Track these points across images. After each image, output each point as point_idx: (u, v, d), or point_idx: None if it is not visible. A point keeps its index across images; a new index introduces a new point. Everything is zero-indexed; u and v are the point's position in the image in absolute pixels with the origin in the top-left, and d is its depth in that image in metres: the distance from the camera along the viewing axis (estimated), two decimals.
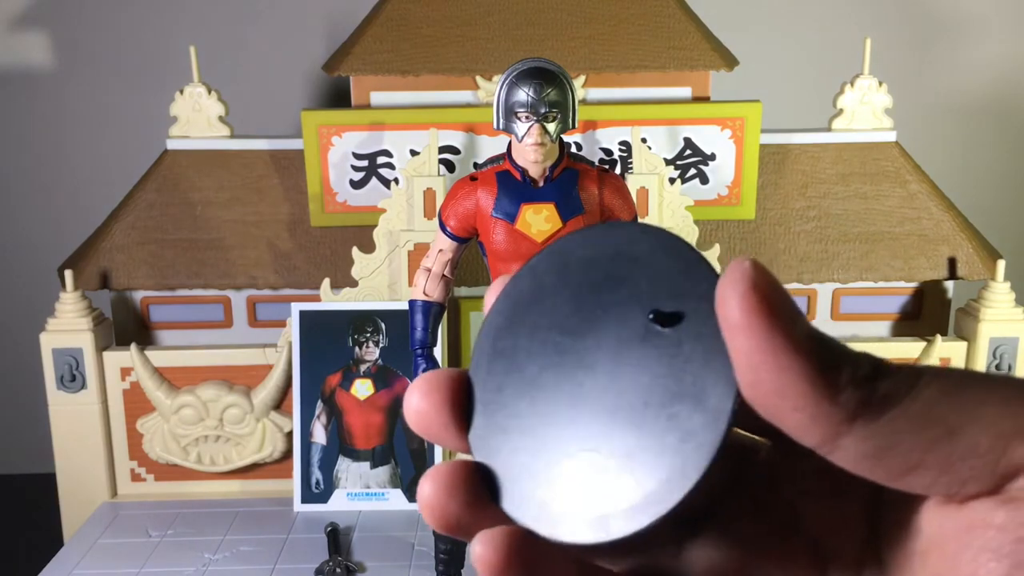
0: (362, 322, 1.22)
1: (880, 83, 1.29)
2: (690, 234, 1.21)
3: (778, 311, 0.18)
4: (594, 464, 0.21)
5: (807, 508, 0.22)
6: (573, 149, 1.25)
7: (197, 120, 1.29)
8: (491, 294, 0.24)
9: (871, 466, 0.18)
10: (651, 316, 0.21)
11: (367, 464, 1.23)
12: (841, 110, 1.30)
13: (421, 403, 0.22)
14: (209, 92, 1.28)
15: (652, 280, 0.21)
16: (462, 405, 0.23)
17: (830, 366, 0.18)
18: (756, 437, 0.22)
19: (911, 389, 0.18)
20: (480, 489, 0.22)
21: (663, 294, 0.21)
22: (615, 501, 0.20)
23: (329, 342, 1.22)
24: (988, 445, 0.18)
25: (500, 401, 0.22)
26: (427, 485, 0.21)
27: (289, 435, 1.25)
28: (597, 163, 1.09)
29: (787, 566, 0.22)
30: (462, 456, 0.22)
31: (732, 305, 0.18)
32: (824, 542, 0.22)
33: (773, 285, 0.19)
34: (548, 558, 0.21)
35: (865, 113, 1.30)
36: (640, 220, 1.01)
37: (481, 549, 0.20)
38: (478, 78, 1.25)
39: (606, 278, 0.22)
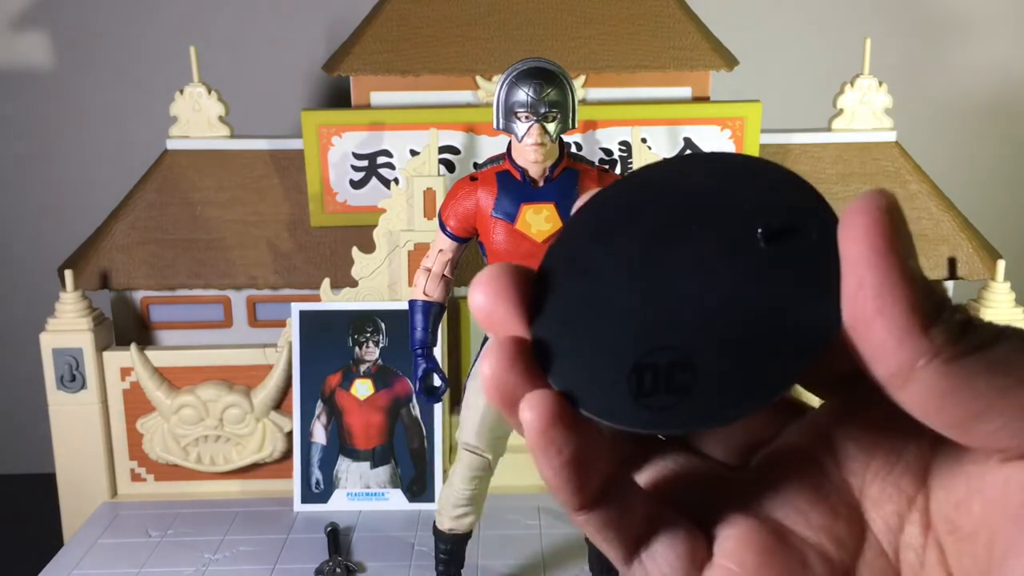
0: (362, 322, 1.22)
1: (880, 83, 1.29)
2: None
3: (900, 237, 0.19)
4: (673, 360, 0.20)
5: (853, 467, 0.22)
6: (573, 149, 1.25)
7: (197, 120, 1.29)
8: (579, 203, 0.24)
9: (939, 406, 0.19)
10: (760, 231, 0.21)
11: (367, 464, 1.23)
12: (841, 110, 1.30)
13: (487, 294, 0.22)
14: (209, 92, 1.28)
15: (755, 200, 0.21)
16: (527, 298, 0.22)
17: (931, 300, 0.19)
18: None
19: (994, 340, 0.19)
20: (535, 368, 0.21)
21: (768, 213, 0.21)
22: (688, 400, 0.20)
23: (329, 342, 1.22)
24: None
25: (573, 297, 0.22)
26: (487, 361, 0.21)
27: (289, 435, 1.25)
28: (597, 163, 1.09)
29: (824, 517, 0.22)
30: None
31: (860, 216, 0.19)
32: (867, 500, 0.22)
33: (902, 218, 0.19)
34: (597, 439, 0.21)
35: (865, 113, 1.30)
36: None
37: (528, 412, 0.20)
38: (478, 78, 1.25)
39: (702, 196, 0.22)
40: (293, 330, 1.21)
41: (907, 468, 0.22)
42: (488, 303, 0.22)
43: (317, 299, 1.23)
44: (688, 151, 1.27)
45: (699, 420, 0.20)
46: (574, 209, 0.24)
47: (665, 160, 0.23)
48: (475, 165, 1.25)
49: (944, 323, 0.19)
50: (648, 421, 0.20)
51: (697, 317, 0.21)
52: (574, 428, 0.20)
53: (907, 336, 0.18)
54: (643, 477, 0.24)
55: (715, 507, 0.23)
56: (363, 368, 1.22)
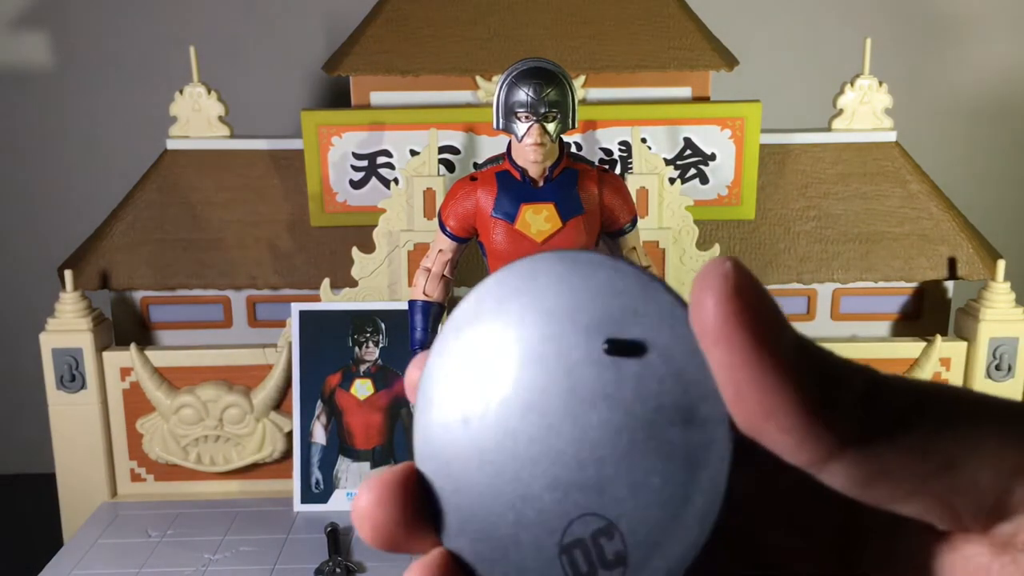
0: (362, 322, 1.22)
1: (880, 83, 1.29)
2: (690, 234, 1.21)
3: (763, 320, 0.16)
4: (588, 534, 0.18)
5: (767, 535, 0.21)
6: (573, 149, 1.24)
7: (197, 120, 1.29)
8: (413, 369, 0.21)
9: (861, 492, 0.17)
10: (605, 347, 0.18)
11: (367, 464, 1.23)
12: (841, 110, 1.30)
13: (373, 509, 0.19)
14: (209, 92, 1.28)
15: (610, 308, 0.19)
16: (420, 502, 0.20)
17: (821, 385, 0.17)
18: None
19: (909, 414, 0.17)
20: (422, 510, 0.20)
21: (614, 319, 0.19)
22: (620, 568, 0.18)
23: (329, 342, 1.22)
24: (988, 482, 0.17)
25: (463, 488, 0.20)
26: (364, 496, 0.19)
27: (289, 435, 1.25)
28: (597, 163, 1.09)
29: None
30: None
31: (709, 313, 0.16)
32: (786, 567, 0.21)
33: (756, 289, 0.16)
34: None
35: (865, 113, 1.30)
36: (638, 219, 1.00)
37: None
38: (478, 78, 1.25)
39: (557, 311, 0.19)
40: (293, 330, 1.21)
41: (838, 538, 0.20)
42: (381, 530, 0.19)
43: (317, 299, 1.23)
44: (688, 151, 1.27)
45: None
46: (414, 375, 0.22)
47: (511, 271, 0.20)
48: (475, 165, 1.25)
49: (843, 405, 0.17)
50: None
51: (597, 469, 0.18)
52: None
53: (807, 433, 0.16)
54: None
55: None
56: (363, 368, 1.22)
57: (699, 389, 0.18)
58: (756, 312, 0.16)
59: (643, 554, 0.18)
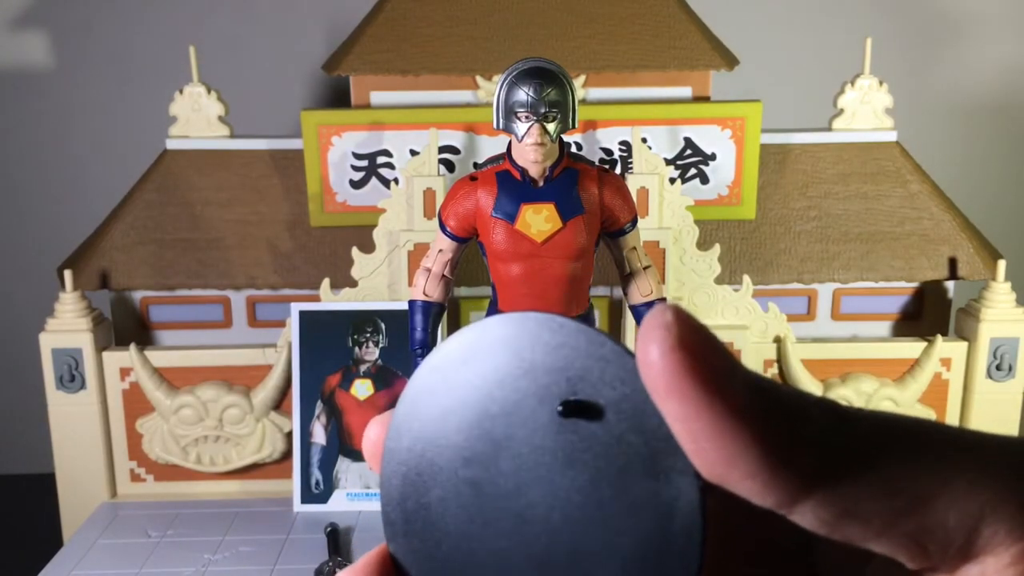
0: (362, 322, 1.22)
1: (880, 83, 1.28)
2: (690, 234, 1.21)
3: (710, 367, 0.16)
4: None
5: (736, 568, 0.21)
6: (573, 149, 1.24)
7: (197, 120, 1.29)
8: (375, 426, 0.21)
9: (830, 531, 0.17)
10: (559, 409, 0.18)
11: (367, 464, 1.23)
12: (841, 110, 1.30)
13: None
14: (209, 92, 1.28)
15: (552, 366, 0.18)
16: None
17: (780, 425, 0.16)
18: None
19: (874, 449, 0.16)
20: None
21: (568, 380, 0.18)
22: None
23: (329, 342, 1.22)
24: (956, 522, 0.16)
25: (429, 554, 0.20)
26: None
27: (289, 435, 1.25)
28: (597, 163, 1.09)
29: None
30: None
31: (656, 367, 0.16)
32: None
33: (701, 335, 0.16)
34: None
35: (866, 113, 1.30)
36: (638, 219, 1.00)
37: None
38: (478, 78, 1.25)
39: (502, 381, 0.19)
40: (293, 330, 1.21)
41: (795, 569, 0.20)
42: None
43: (317, 299, 1.23)
44: (688, 151, 1.27)
45: None
46: (374, 434, 0.21)
47: (453, 340, 0.20)
48: (475, 165, 1.25)
49: (804, 444, 0.16)
50: None
51: (563, 540, 0.18)
52: None
53: (771, 478, 0.16)
54: None
55: None
56: (363, 368, 1.22)
57: (659, 441, 0.17)
58: (703, 360, 0.16)
59: None
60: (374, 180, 1.28)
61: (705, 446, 0.16)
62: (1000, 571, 0.16)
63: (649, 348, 0.16)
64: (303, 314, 1.21)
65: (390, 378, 1.22)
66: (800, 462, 0.16)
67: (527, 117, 0.90)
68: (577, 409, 0.18)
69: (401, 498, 0.21)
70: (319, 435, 1.22)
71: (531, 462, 0.18)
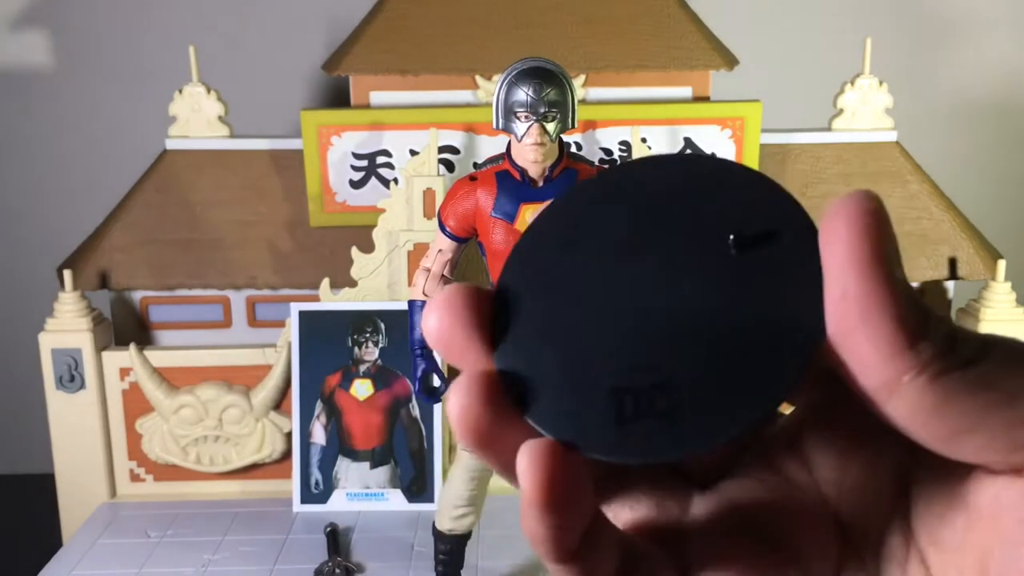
0: (361, 322, 1.22)
1: (880, 83, 1.28)
2: None
3: (886, 243, 0.18)
4: (652, 383, 0.19)
5: (829, 475, 0.22)
6: (573, 149, 1.24)
7: (196, 120, 1.29)
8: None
9: (924, 421, 0.18)
10: (732, 238, 0.20)
11: (366, 464, 1.23)
12: (841, 110, 1.30)
13: (440, 322, 0.20)
14: (208, 92, 1.28)
15: (728, 205, 0.20)
16: (486, 321, 0.20)
17: (917, 313, 0.18)
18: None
19: (981, 354, 0.18)
20: (508, 402, 0.20)
21: (741, 220, 0.20)
22: (670, 422, 0.19)
23: (328, 342, 1.22)
24: None
25: (535, 315, 0.21)
26: (455, 394, 0.20)
27: (288, 435, 1.25)
28: (597, 163, 1.09)
29: (802, 529, 0.22)
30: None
31: (844, 219, 0.18)
32: (845, 512, 0.22)
33: (888, 222, 0.18)
34: (585, 481, 0.20)
35: (866, 113, 1.30)
36: None
37: (528, 458, 0.19)
38: (478, 78, 1.25)
39: (671, 200, 0.21)
40: (292, 330, 1.21)
41: (885, 478, 0.21)
42: (444, 328, 0.20)
43: (316, 299, 1.23)
44: (688, 151, 1.27)
45: (690, 444, 0.19)
46: (534, 217, 0.22)
47: (631, 162, 0.22)
48: (475, 165, 1.25)
49: (930, 337, 0.18)
50: (638, 450, 0.19)
51: (674, 333, 0.19)
52: (578, 482, 0.19)
53: (893, 351, 0.18)
54: (615, 511, 0.23)
55: (689, 538, 0.22)
56: (362, 368, 1.22)
57: (804, 283, 0.19)
58: (883, 236, 0.18)
59: (695, 411, 0.19)
60: (374, 180, 1.28)
61: (851, 297, 0.18)
62: None
63: (845, 202, 0.18)
64: (303, 314, 1.21)
65: (390, 378, 1.22)
66: (922, 346, 0.18)
67: (527, 117, 0.90)
68: (747, 240, 0.20)
69: (543, 240, 0.21)
70: (319, 435, 1.22)
71: (679, 265, 0.20)
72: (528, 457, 0.19)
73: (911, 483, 0.21)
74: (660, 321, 0.20)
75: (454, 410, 0.20)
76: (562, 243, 0.21)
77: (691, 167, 0.21)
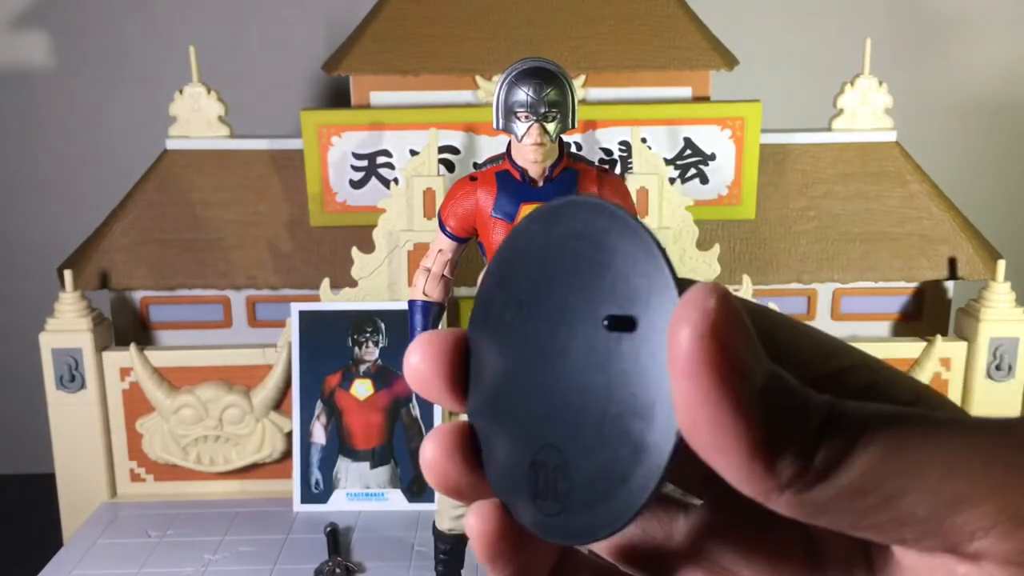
0: (362, 322, 1.22)
1: (880, 83, 1.28)
2: (690, 234, 1.21)
3: (732, 363, 0.16)
4: (557, 462, 0.20)
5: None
6: (573, 149, 1.24)
7: (197, 120, 1.29)
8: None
9: (810, 521, 0.18)
10: (605, 322, 0.19)
11: (367, 464, 1.23)
12: (841, 110, 1.30)
13: (420, 364, 0.22)
14: (209, 92, 1.28)
15: (616, 276, 0.19)
16: (460, 368, 0.22)
17: (774, 429, 0.17)
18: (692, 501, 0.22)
19: (848, 455, 0.17)
20: (473, 454, 0.22)
21: (623, 294, 0.19)
22: (574, 504, 0.19)
23: (329, 342, 1.22)
24: (926, 514, 0.17)
25: (486, 372, 0.22)
26: (429, 445, 0.22)
27: (289, 435, 1.25)
28: (597, 163, 1.09)
29: (776, 550, 0.22)
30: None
31: (682, 345, 0.16)
32: (815, 534, 0.22)
33: (735, 327, 0.17)
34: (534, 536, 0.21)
35: (865, 113, 1.30)
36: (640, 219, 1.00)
37: (475, 520, 0.20)
38: (478, 78, 1.25)
39: (578, 259, 0.20)
40: (293, 330, 1.21)
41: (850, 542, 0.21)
42: (422, 372, 0.22)
43: (317, 299, 1.23)
44: (688, 151, 1.27)
45: (574, 534, 0.19)
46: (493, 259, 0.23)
47: (533, 216, 0.21)
48: (475, 165, 1.25)
49: (790, 451, 0.17)
50: (543, 528, 0.20)
51: (572, 411, 0.20)
52: (523, 539, 0.20)
53: (751, 476, 0.17)
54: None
55: (674, 562, 0.22)
56: (363, 368, 1.22)
57: (661, 395, 0.18)
58: (727, 353, 0.16)
59: (583, 502, 0.19)
60: (374, 180, 1.28)
61: (701, 431, 0.17)
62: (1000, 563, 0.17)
63: (681, 327, 0.17)
64: (303, 314, 1.21)
65: (390, 378, 1.22)
66: (779, 467, 0.17)
67: (527, 117, 0.90)
68: (620, 323, 0.19)
69: (486, 298, 0.22)
70: (319, 435, 1.22)
71: (580, 338, 0.20)
72: (474, 516, 0.20)
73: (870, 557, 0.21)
74: (562, 397, 0.20)
75: (424, 461, 0.22)
76: (503, 293, 0.22)
77: (586, 224, 0.20)
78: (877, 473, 0.17)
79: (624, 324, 0.19)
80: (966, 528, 0.17)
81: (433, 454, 0.21)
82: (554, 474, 0.20)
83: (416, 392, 0.23)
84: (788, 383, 0.17)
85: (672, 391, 0.17)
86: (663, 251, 0.19)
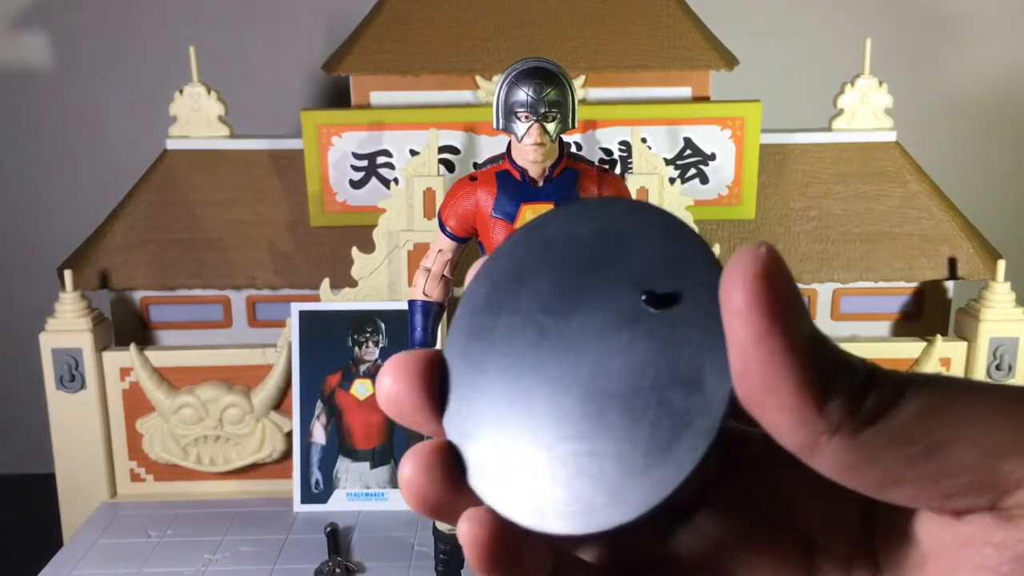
0: (362, 322, 1.22)
1: (880, 83, 1.28)
2: None
3: (782, 305, 0.17)
4: (579, 452, 0.20)
5: (799, 502, 0.22)
6: (573, 149, 1.24)
7: (197, 120, 1.29)
8: (472, 272, 0.23)
9: (850, 477, 0.18)
10: (644, 297, 0.20)
11: (367, 464, 1.23)
12: (841, 110, 1.30)
13: (393, 386, 0.21)
14: (209, 92, 1.28)
15: (644, 260, 0.20)
16: (436, 387, 0.22)
17: (824, 373, 0.17)
18: (749, 428, 0.21)
19: (896, 403, 0.18)
20: (454, 471, 0.21)
21: (656, 275, 0.20)
22: (602, 491, 0.19)
23: (329, 342, 1.22)
24: (974, 462, 0.17)
25: (477, 385, 0.21)
26: (407, 465, 0.21)
27: (289, 435, 1.25)
28: (597, 163, 1.09)
29: (775, 557, 0.22)
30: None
31: (736, 289, 0.17)
32: (815, 537, 0.22)
33: (784, 276, 0.18)
34: (531, 539, 0.20)
35: (865, 113, 1.30)
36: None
37: (468, 527, 0.20)
38: (478, 78, 1.25)
39: (592, 256, 0.21)
40: (293, 330, 1.21)
41: (851, 510, 0.21)
42: (394, 395, 0.21)
43: (317, 299, 1.23)
44: (688, 151, 1.27)
45: (610, 521, 0.19)
46: (470, 275, 0.23)
47: (556, 212, 0.22)
48: (475, 165, 1.25)
49: (841, 394, 0.17)
50: (568, 524, 0.20)
51: (594, 399, 0.20)
52: (516, 545, 0.20)
53: (802, 418, 0.17)
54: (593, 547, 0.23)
55: (670, 572, 0.22)
56: (363, 368, 1.22)
57: (711, 351, 0.19)
58: (778, 296, 0.17)
59: (616, 486, 0.19)
60: (374, 180, 1.28)
61: (753, 372, 0.17)
62: None
63: (736, 271, 0.18)
64: (303, 314, 1.21)
65: None
66: (831, 408, 0.17)
67: (527, 117, 0.90)
68: (659, 299, 0.20)
69: (479, 309, 0.22)
70: (319, 435, 1.22)
71: (599, 327, 0.20)
72: (466, 525, 0.20)
73: (871, 517, 0.21)
74: (589, 386, 0.20)
75: (403, 481, 0.21)
76: (497, 306, 0.22)
77: (613, 217, 0.21)
78: (925, 422, 0.18)
79: (664, 301, 0.20)
80: (1013, 476, 0.17)
81: (412, 473, 0.21)
82: (578, 464, 0.20)
83: (391, 417, 0.22)
84: (831, 341, 0.18)
85: (727, 335, 0.18)
86: (695, 234, 0.20)
